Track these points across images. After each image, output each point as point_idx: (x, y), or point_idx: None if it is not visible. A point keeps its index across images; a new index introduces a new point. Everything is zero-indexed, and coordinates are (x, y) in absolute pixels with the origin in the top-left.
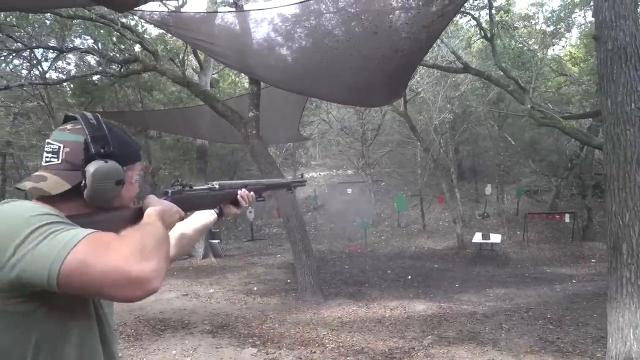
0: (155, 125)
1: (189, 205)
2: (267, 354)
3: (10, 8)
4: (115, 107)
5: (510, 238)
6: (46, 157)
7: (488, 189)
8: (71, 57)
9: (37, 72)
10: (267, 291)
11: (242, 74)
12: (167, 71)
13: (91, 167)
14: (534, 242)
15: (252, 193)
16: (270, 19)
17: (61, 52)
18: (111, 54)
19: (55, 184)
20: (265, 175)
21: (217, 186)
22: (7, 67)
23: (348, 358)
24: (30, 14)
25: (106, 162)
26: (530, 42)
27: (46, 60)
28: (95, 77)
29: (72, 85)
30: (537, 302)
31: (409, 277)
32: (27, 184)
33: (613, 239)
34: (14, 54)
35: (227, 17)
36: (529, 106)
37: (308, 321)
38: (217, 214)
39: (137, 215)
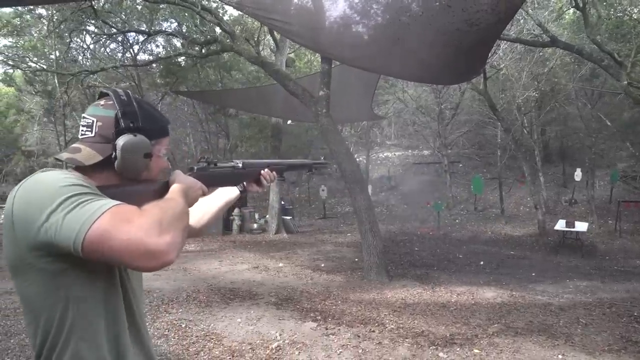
0: (232, 104)
1: (213, 181)
2: (327, 329)
3: None
4: (198, 87)
5: (600, 227)
6: (82, 130)
7: (577, 174)
8: (159, 40)
9: (129, 55)
10: (334, 268)
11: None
12: (243, 51)
13: (121, 141)
14: (628, 233)
15: (274, 172)
16: None
17: (149, 35)
18: (194, 36)
19: (89, 155)
20: (335, 154)
21: (240, 165)
22: (106, 51)
23: (407, 339)
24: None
25: (135, 135)
26: (634, 11)
27: (137, 43)
28: (180, 59)
29: (160, 67)
30: (623, 297)
31: (481, 262)
32: (64, 155)
33: None
34: (109, 39)
35: None
36: (625, 82)
37: (370, 300)
38: (240, 191)
39: (163, 189)
